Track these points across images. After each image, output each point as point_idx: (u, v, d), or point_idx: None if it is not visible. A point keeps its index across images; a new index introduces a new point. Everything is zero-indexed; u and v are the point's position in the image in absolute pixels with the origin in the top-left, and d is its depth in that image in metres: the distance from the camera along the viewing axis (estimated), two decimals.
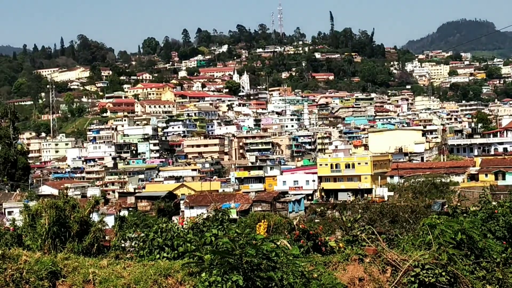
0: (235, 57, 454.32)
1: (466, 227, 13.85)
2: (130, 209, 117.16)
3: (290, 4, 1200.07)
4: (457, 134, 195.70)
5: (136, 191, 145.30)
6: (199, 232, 15.85)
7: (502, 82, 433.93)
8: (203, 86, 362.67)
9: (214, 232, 13.61)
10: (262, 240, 11.74)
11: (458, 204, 20.39)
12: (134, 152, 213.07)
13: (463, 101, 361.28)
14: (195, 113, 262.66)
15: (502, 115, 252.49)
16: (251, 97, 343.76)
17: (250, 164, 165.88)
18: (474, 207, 17.95)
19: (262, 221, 16.50)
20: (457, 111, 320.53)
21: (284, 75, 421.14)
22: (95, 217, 19.44)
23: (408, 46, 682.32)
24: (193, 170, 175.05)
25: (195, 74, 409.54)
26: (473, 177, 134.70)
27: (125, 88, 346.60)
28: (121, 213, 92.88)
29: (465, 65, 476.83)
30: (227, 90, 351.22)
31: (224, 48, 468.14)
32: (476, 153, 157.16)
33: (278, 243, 12.73)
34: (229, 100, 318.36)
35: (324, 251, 15.11)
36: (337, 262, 13.24)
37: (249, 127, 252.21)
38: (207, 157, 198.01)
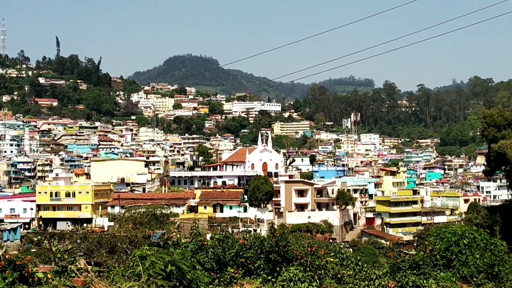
0: None
1: (176, 258, 13.97)
2: None
3: (15, 25, 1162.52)
4: (179, 166, 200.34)
5: None
6: None
7: (223, 117, 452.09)
8: None
9: None
10: None
11: (176, 235, 20.64)
12: None
13: (186, 134, 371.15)
14: None
15: (222, 150, 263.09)
16: None
17: None
18: (186, 238, 18.26)
19: None
20: (180, 144, 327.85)
21: (5, 98, 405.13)
22: None
23: (135, 77, 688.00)
24: None
25: None
26: (193, 209, 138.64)
27: None
28: None
29: (189, 99, 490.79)
30: None
31: None
32: (196, 185, 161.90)
33: None
34: None
35: (31, 282, 14.52)
36: None
37: None
38: None
